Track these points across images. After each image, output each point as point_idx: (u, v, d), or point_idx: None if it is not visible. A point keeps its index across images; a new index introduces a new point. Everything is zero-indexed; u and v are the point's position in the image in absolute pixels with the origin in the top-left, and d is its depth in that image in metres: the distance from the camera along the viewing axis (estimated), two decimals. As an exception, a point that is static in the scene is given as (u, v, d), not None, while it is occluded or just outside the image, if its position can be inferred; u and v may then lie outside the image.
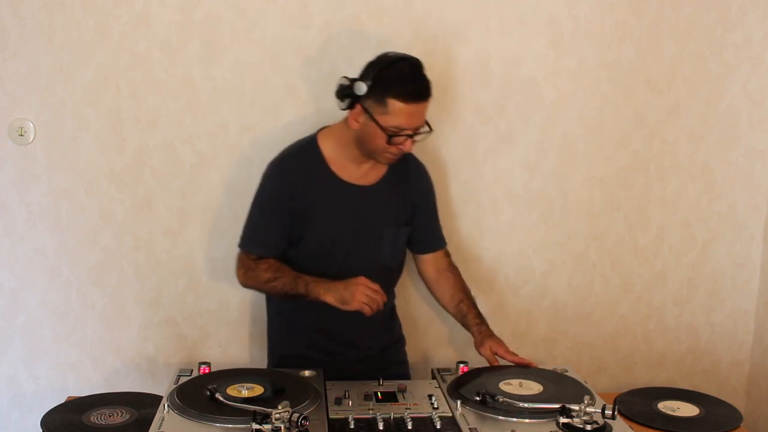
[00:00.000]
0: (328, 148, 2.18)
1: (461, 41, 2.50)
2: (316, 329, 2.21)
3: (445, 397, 1.97)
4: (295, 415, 1.66)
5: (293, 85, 2.46)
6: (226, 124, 2.46)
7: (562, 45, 2.55)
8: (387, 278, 2.29)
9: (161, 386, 2.09)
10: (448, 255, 2.40)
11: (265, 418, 1.66)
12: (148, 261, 2.50)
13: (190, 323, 2.56)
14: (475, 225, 2.61)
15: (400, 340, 2.41)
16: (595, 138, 2.62)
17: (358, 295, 2.04)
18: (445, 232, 2.41)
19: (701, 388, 2.59)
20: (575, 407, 1.79)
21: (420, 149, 2.26)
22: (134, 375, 2.56)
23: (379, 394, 1.98)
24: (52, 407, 2.09)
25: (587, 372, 2.69)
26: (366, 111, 2.05)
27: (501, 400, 1.87)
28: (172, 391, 1.88)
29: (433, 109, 2.11)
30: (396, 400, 1.95)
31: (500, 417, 1.83)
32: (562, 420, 1.78)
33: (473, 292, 2.38)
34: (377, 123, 2.03)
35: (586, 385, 2.05)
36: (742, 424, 2.13)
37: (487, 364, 2.20)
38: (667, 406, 2.19)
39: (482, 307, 2.40)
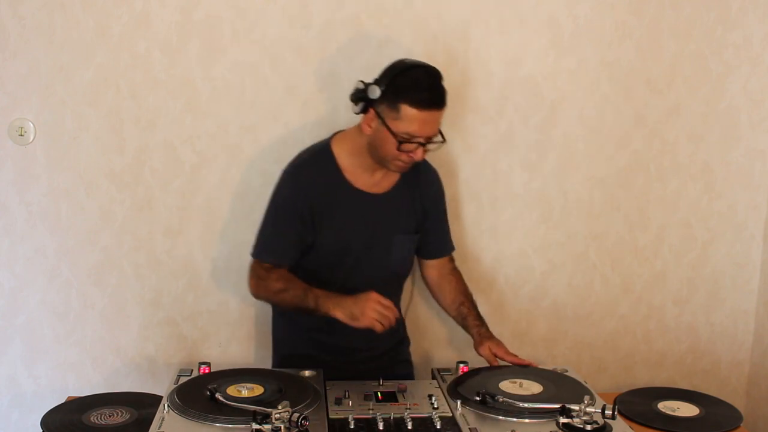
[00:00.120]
0: (342, 156, 2.16)
1: (461, 41, 2.50)
2: (321, 330, 2.21)
3: (445, 397, 1.97)
4: (295, 415, 1.66)
5: (293, 85, 2.46)
6: (226, 124, 2.46)
7: (562, 45, 2.55)
8: (396, 284, 2.33)
9: (161, 386, 2.09)
10: (452, 260, 2.40)
11: (265, 418, 1.66)
12: (148, 261, 2.50)
13: (190, 323, 2.56)
14: (475, 225, 2.61)
15: (404, 341, 2.41)
16: (595, 138, 2.62)
17: (368, 311, 2.01)
18: (445, 232, 2.41)
19: (701, 388, 2.59)
20: (575, 407, 1.79)
21: (420, 149, 2.26)
22: (134, 375, 2.56)
23: (379, 394, 1.98)
24: (52, 407, 2.09)
25: (587, 372, 2.69)
26: (379, 116, 2.03)
27: (501, 400, 1.87)
28: (172, 391, 1.88)
29: (433, 109, 2.11)
30: (396, 400, 1.95)
31: (500, 417, 1.83)
32: (562, 420, 1.79)
33: (473, 292, 2.39)
34: (389, 128, 2.02)
35: (586, 385, 2.05)
36: (742, 424, 2.13)
37: (487, 365, 2.20)
38: (667, 406, 2.19)
39: (482, 307, 2.40)
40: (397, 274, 2.31)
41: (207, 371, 2.04)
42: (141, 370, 2.56)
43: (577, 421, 1.77)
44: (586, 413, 1.77)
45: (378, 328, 2.02)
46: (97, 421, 2.00)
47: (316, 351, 2.22)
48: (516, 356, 2.17)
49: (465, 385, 2.00)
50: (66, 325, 2.51)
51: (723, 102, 2.66)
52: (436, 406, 1.91)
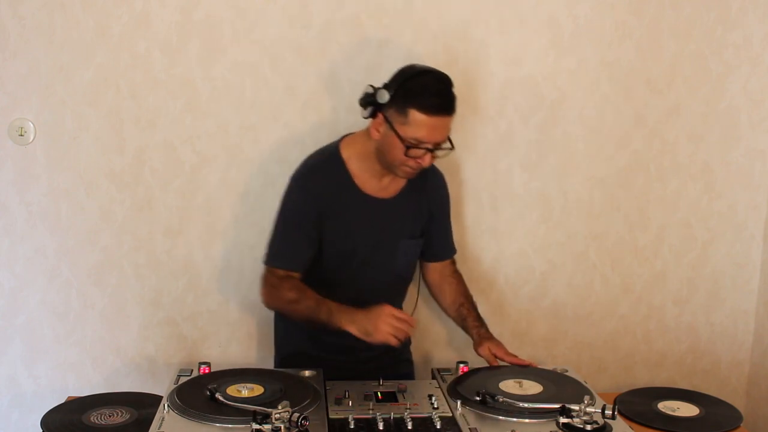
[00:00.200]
0: (351, 160, 2.15)
1: (461, 41, 2.50)
2: (323, 329, 2.19)
3: (445, 397, 1.97)
4: (295, 415, 1.66)
5: (293, 85, 2.46)
6: (226, 124, 2.46)
7: (562, 45, 2.55)
8: (401, 288, 2.34)
9: (161, 386, 2.09)
10: (453, 262, 2.41)
11: (265, 418, 1.66)
12: (148, 261, 2.50)
13: (190, 323, 2.56)
14: (475, 225, 2.61)
15: (405, 340, 2.41)
16: (595, 138, 2.62)
17: (382, 325, 1.98)
18: (445, 232, 2.41)
19: (701, 388, 2.59)
20: (575, 407, 1.79)
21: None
22: (134, 375, 2.56)
23: (379, 394, 1.98)
24: (52, 407, 2.09)
25: (587, 372, 2.69)
26: (387, 120, 2.03)
27: (501, 400, 1.87)
28: (172, 391, 1.88)
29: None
30: (396, 400, 1.95)
31: (500, 417, 1.83)
32: (562, 420, 1.78)
33: (473, 292, 2.39)
34: (397, 133, 2.01)
35: (586, 385, 2.05)
36: (742, 424, 2.13)
37: (487, 365, 2.20)
38: (667, 406, 2.19)
39: (482, 307, 2.41)
40: (401, 278, 2.32)
41: (207, 371, 2.04)
42: (141, 370, 2.56)
43: (577, 421, 1.77)
44: (586, 413, 1.77)
45: (393, 342, 1.99)
46: (97, 421, 2.00)
47: (317, 350, 2.22)
48: (516, 356, 2.17)
49: (465, 385, 2.00)
50: (66, 325, 2.51)
51: (723, 102, 2.66)
52: (436, 406, 1.91)
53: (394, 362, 2.31)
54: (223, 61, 2.42)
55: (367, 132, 2.13)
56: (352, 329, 2.01)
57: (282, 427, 1.64)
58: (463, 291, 2.36)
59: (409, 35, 2.47)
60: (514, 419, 1.82)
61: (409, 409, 1.88)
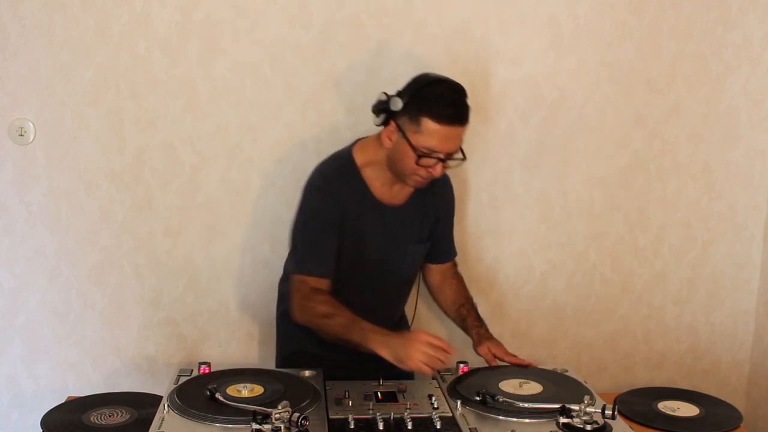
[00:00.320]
0: (365, 168, 2.14)
1: (461, 41, 2.50)
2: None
3: (445, 397, 1.97)
4: (295, 415, 1.65)
5: (293, 85, 2.46)
6: (226, 124, 2.46)
7: (562, 45, 2.55)
8: (405, 289, 2.34)
9: (161, 386, 2.09)
10: (455, 264, 2.41)
11: (265, 418, 1.66)
12: (148, 261, 2.51)
13: (190, 323, 2.56)
14: (475, 225, 2.61)
15: None
16: (595, 138, 2.62)
17: (414, 353, 1.89)
18: (445, 232, 2.42)
19: (701, 388, 2.59)
20: (575, 407, 1.78)
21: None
22: (134, 375, 2.56)
23: (379, 394, 1.98)
24: (52, 407, 2.09)
25: (587, 372, 2.69)
26: (399, 128, 2.02)
27: (501, 400, 1.87)
28: (172, 391, 1.88)
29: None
30: (396, 400, 1.95)
31: (500, 417, 1.83)
32: (562, 420, 1.78)
33: (473, 292, 2.39)
34: (409, 142, 2.00)
35: (586, 385, 2.05)
36: (742, 424, 2.13)
37: (487, 365, 2.20)
38: (667, 406, 2.19)
39: (482, 307, 2.41)
40: (408, 281, 2.33)
41: (207, 371, 2.04)
42: (141, 370, 2.56)
43: (577, 421, 1.77)
44: (586, 413, 1.77)
45: (426, 372, 1.90)
46: (97, 421, 2.00)
47: (319, 349, 2.22)
48: (515, 356, 2.17)
49: (465, 385, 2.00)
50: (66, 325, 2.51)
51: (723, 102, 2.66)
52: (436, 406, 1.91)
53: None
54: (223, 61, 2.42)
55: (378, 139, 2.11)
56: (384, 353, 1.92)
57: (282, 427, 1.64)
58: (464, 292, 2.36)
59: (409, 35, 2.47)
60: (514, 419, 1.82)
61: (409, 409, 1.88)
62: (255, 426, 1.65)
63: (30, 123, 2.39)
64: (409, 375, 2.36)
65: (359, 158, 2.14)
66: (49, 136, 2.41)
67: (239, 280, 2.55)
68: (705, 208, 2.73)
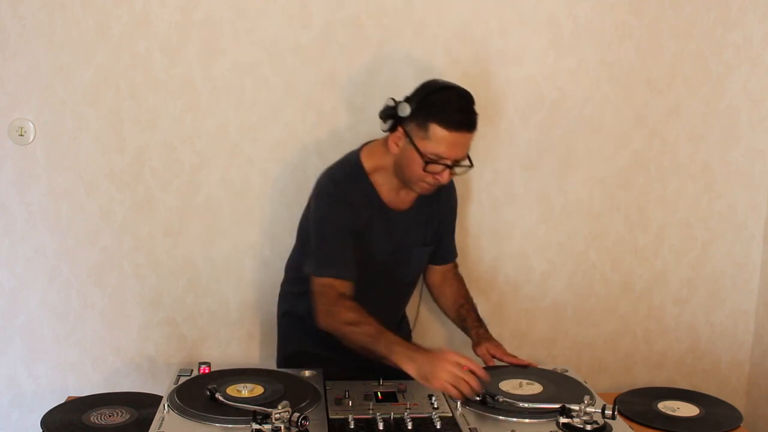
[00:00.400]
0: (374, 175, 2.13)
1: (461, 41, 2.50)
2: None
3: (445, 397, 1.97)
4: (295, 415, 1.65)
5: (293, 85, 2.46)
6: (226, 124, 2.46)
7: (562, 45, 2.55)
8: (408, 291, 2.34)
9: (161, 386, 2.09)
10: (456, 265, 2.41)
11: (265, 418, 1.66)
12: (148, 261, 2.51)
13: (190, 323, 2.56)
14: (475, 225, 2.61)
15: (409, 338, 2.42)
16: (595, 138, 2.62)
17: (441, 373, 1.83)
18: (446, 232, 2.42)
19: (701, 388, 2.59)
20: (575, 407, 1.78)
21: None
22: (134, 375, 2.56)
23: (379, 394, 1.98)
24: (52, 407, 2.09)
25: (587, 372, 2.69)
26: (407, 134, 2.01)
27: (501, 400, 1.87)
28: (172, 391, 1.88)
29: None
30: (396, 400, 1.94)
31: (500, 417, 1.83)
32: (562, 420, 1.78)
33: (473, 293, 2.39)
34: (416, 148, 1.99)
35: (586, 385, 2.05)
36: (742, 424, 2.13)
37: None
38: (667, 406, 2.19)
39: (482, 307, 2.41)
40: (412, 283, 2.33)
41: (207, 371, 2.04)
42: (141, 370, 2.56)
43: (577, 421, 1.77)
44: (586, 413, 1.77)
45: (452, 393, 1.83)
46: (97, 421, 2.00)
47: (321, 349, 2.22)
48: (515, 356, 2.17)
49: (465, 385, 2.00)
50: (66, 325, 2.51)
51: (723, 102, 2.66)
52: (436, 406, 1.91)
53: None
54: (223, 61, 2.42)
55: (385, 145, 2.10)
56: (410, 369, 1.87)
57: (282, 427, 1.64)
58: (464, 292, 2.36)
59: (409, 35, 2.47)
60: (514, 419, 1.82)
61: (409, 409, 1.88)
62: (255, 426, 1.65)
63: (30, 123, 2.39)
64: (409, 375, 2.36)
65: (367, 164, 2.13)
66: (49, 136, 2.41)
67: (239, 280, 2.55)
68: (705, 208, 2.73)
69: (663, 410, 2.17)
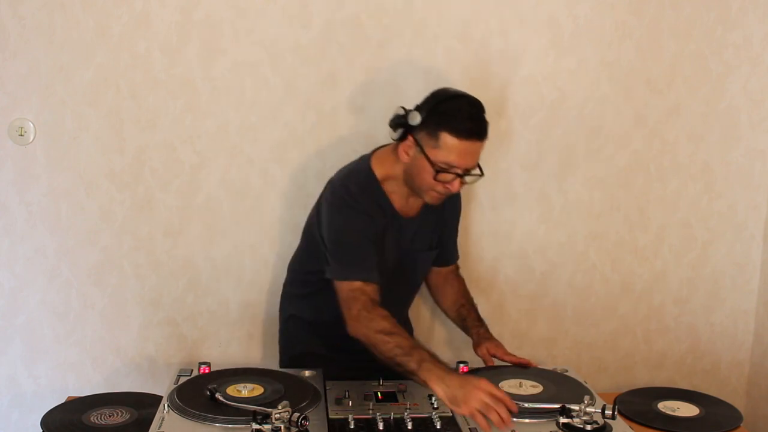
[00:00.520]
0: (385, 183, 2.12)
1: (461, 41, 2.50)
2: (330, 327, 2.16)
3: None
4: (295, 415, 1.66)
5: (293, 85, 2.46)
6: (226, 124, 2.46)
7: (562, 45, 2.55)
8: (413, 294, 2.35)
9: (161, 386, 2.09)
10: (457, 266, 2.42)
11: (265, 418, 1.66)
12: (148, 261, 2.50)
13: (190, 323, 2.56)
14: (475, 225, 2.61)
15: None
16: (595, 138, 2.62)
17: (472, 400, 1.78)
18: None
19: (701, 388, 2.59)
20: (575, 407, 1.79)
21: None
22: (134, 375, 2.56)
23: (379, 394, 1.98)
24: (52, 407, 2.09)
25: (587, 372, 2.69)
26: (417, 143, 2.00)
27: (501, 400, 1.87)
28: (172, 391, 1.88)
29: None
30: (396, 400, 1.95)
31: (500, 417, 1.83)
32: (562, 420, 1.79)
33: (473, 293, 2.39)
34: (427, 157, 1.98)
35: (586, 385, 2.05)
36: (742, 424, 2.13)
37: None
38: (667, 406, 2.19)
39: (482, 307, 2.41)
40: (417, 286, 2.35)
41: (207, 371, 2.04)
42: (141, 370, 2.56)
43: (577, 421, 1.77)
44: (586, 413, 1.77)
45: (481, 422, 1.77)
46: (97, 421, 2.00)
47: (323, 349, 2.22)
48: (514, 356, 2.17)
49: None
50: (66, 325, 2.51)
51: (723, 102, 2.66)
52: (436, 406, 1.91)
53: None
54: (223, 61, 2.42)
55: (394, 153, 2.09)
56: (439, 390, 1.82)
57: (282, 427, 1.64)
58: (464, 292, 2.37)
59: (409, 35, 2.47)
60: (514, 419, 1.82)
61: (409, 409, 1.88)
62: (255, 426, 1.65)
63: (30, 123, 2.39)
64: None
65: (378, 172, 2.12)
66: (49, 136, 2.41)
67: (239, 280, 2.55)
68: (705, 208, 2.73)
69: (663, 410, 2.17)
